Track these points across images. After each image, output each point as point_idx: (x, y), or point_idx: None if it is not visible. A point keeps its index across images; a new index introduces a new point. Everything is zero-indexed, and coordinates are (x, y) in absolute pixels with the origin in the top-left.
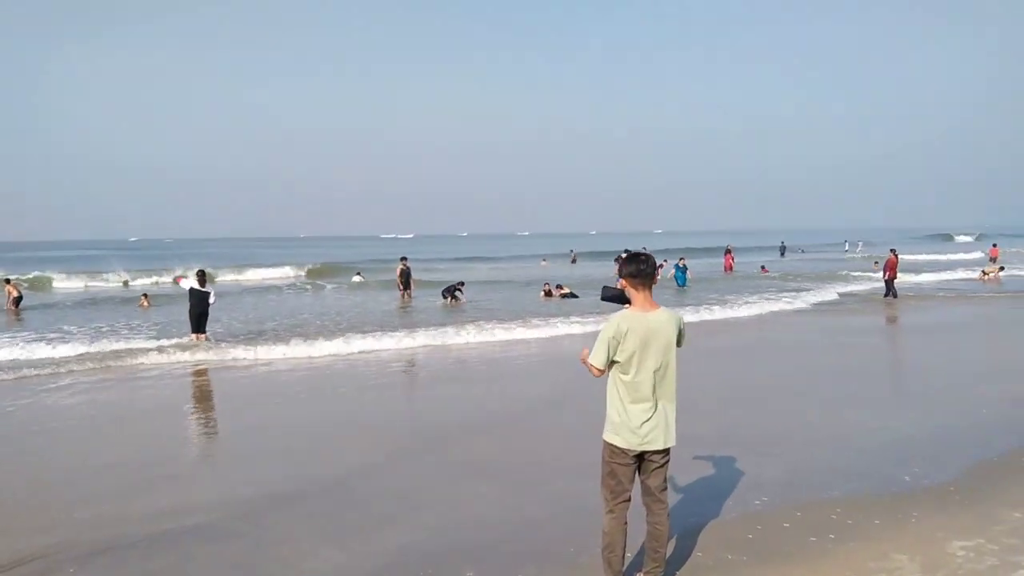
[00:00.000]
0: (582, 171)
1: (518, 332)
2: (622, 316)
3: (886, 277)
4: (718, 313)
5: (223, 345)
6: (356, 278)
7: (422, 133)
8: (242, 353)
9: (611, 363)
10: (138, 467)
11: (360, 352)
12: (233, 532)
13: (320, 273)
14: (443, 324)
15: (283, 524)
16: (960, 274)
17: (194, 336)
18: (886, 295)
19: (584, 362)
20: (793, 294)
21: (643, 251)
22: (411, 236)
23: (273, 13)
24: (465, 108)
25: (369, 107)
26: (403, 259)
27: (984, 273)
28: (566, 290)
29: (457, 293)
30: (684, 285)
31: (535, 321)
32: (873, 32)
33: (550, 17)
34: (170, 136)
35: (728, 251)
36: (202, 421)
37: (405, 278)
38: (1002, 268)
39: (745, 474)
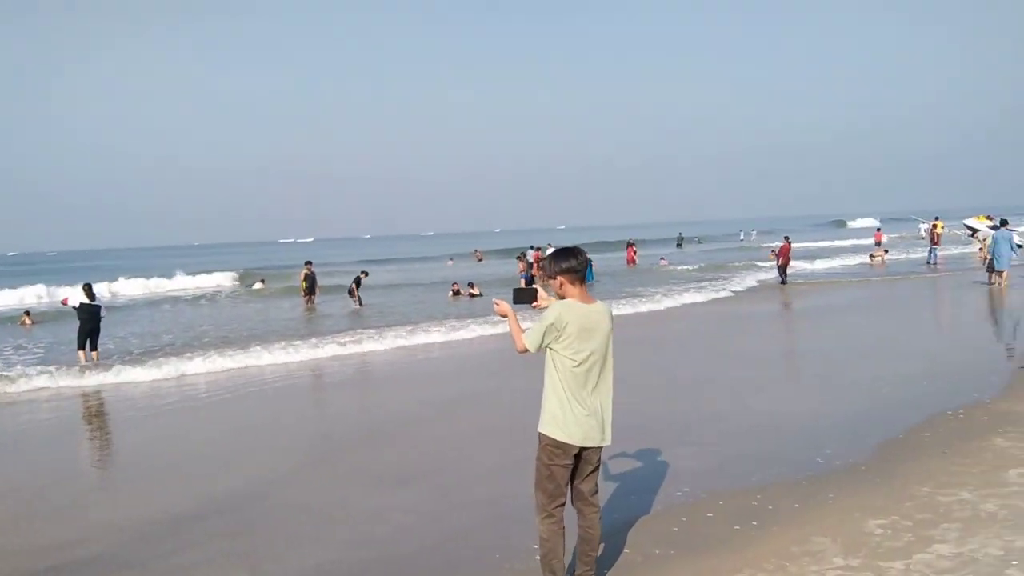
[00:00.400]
0: (483, 169)
1: (428, 335)
2: (564, 306)
3: (779, 263)
4: (626, 308)
5: (115, 363)
6: (258, 285)
7: (318, 133)
8: (137, 372)
9: (547, 350)
10: (23, 498)
11: (264, 364)
12: (130, 560)
13: (245, 279)
14: (350, 329)
15: (186, 548)
16: (852, 259)
17: (81, 354)
18: (782, 282)
19: (511, 328)
20: (696, 285)
21: (531, 249)
22: (311, 240)
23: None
24: (361, 106)
25: (263, 104)
26: (307, 264)
27: (871, 257)
28: (476, 290)
29: (361, 277)
30: (592, 280)
31: (448, 322)
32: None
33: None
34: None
35: (630, 244)
36: (94, 446)
37: (310, 283)
38: (887, 251)
39: (665, 467)
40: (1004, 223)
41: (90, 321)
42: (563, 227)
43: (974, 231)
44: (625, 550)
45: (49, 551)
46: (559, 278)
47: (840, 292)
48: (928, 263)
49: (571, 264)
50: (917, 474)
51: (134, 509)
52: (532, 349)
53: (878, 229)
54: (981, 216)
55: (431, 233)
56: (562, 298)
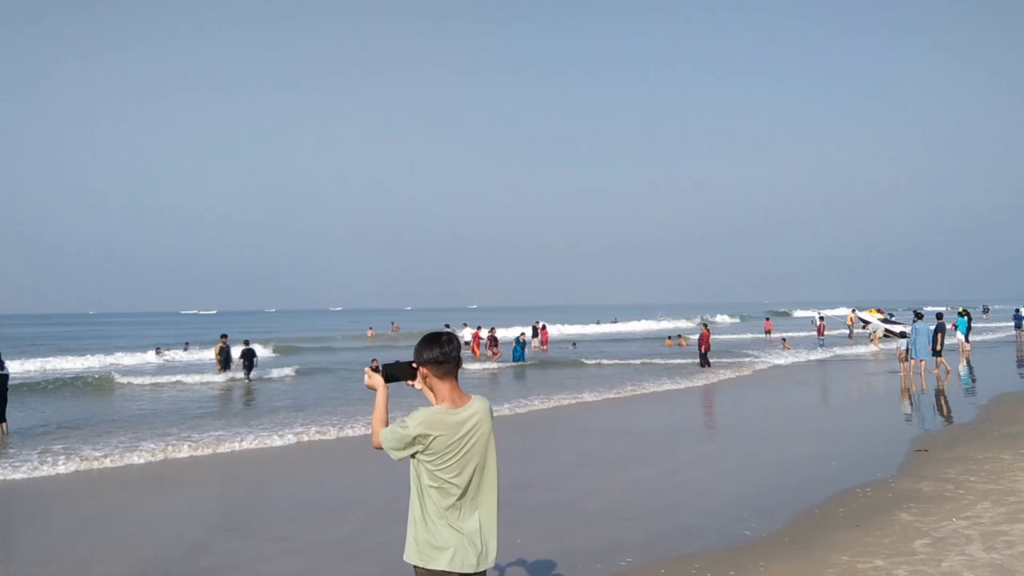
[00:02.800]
0: (392, 246)
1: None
2: (431, 414)
3: (701, 350)
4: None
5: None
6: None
7: (223, 204)
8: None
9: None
10: None
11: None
12: None
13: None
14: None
15: None
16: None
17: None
18: (702, 365)
19: (376, 412)
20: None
21: (445, 329)
22: (214, 312)
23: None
24: (268, 177)
25: (174, 171)
26: (223, 337)
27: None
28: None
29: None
30: (522, 359)
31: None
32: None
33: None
34: None
35: (543, 327)
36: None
37: (224, 355)
38: (783, 339)
39: (607, 537)
40: (920, 316)
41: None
42: (474, 306)
43: (866, 323)
44: None
45: None
46: (423, 369)
47: (756, 376)
48: (820, 348)
49: (435, 354)
50: (835, 545)
51: None
52: (391, 455)
53: (767, 319)
54: (872, 310)
55: (339, 308)
56: (432, 392)
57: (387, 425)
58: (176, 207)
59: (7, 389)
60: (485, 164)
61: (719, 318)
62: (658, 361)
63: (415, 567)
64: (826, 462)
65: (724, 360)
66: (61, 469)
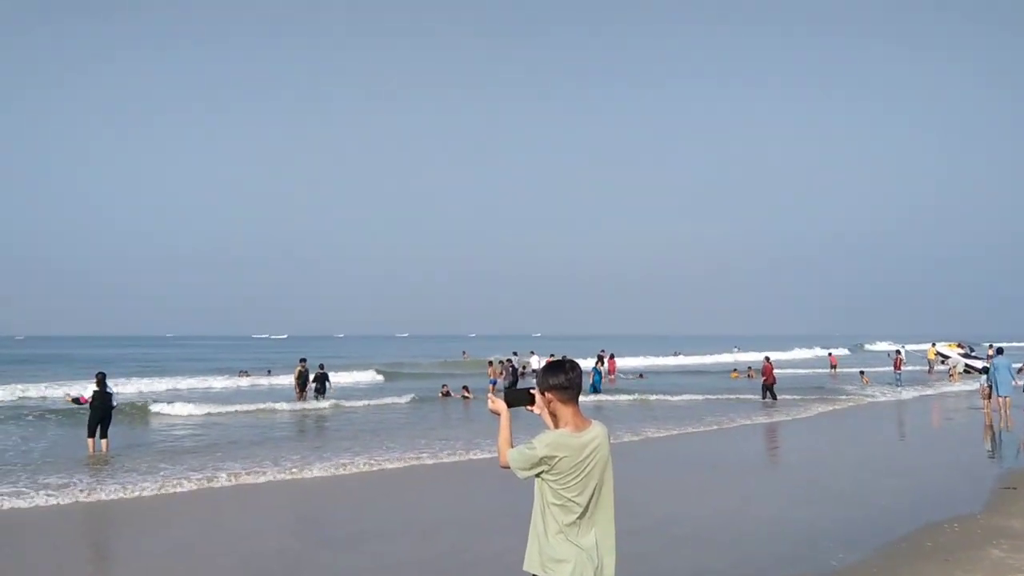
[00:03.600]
0: (387, 272)
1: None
2: (557, 436)
3: (765, 382)
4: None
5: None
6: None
7: (295, 224)
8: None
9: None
10: None
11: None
12: None
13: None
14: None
15: None
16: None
17: (91, 442)
18: (767, 398)
19: (501, 434)
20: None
21: (513, 356)
22: (284, 336)
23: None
24: (284, 201)
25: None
26: (302, 361)
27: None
28: (469, 393)
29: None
30: (599, 390)
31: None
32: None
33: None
34: None
35: (611, 356)
36: None
37: (303, 379)
38: (862, 372)
39: (696, 562)
40: (1000, 351)
41: (102, 409)
42: (473, 335)
43: (946, 358)
44: None
45: None
46: (547, 395)
47: (831, 409)
48: (896, 385)
49: (560, 380)
50: (924, 574)
51: None
52: (517, 474)
53: (830, 353)
54: (953, 344)
55: (342, 335)
56: (553, 416)
57: (512, 446)
58: (249, 230)
59: (112, 408)
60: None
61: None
62: (725, 396)
63: None
64: (910, 496)
65: (807, 396)
66: (186, 486)
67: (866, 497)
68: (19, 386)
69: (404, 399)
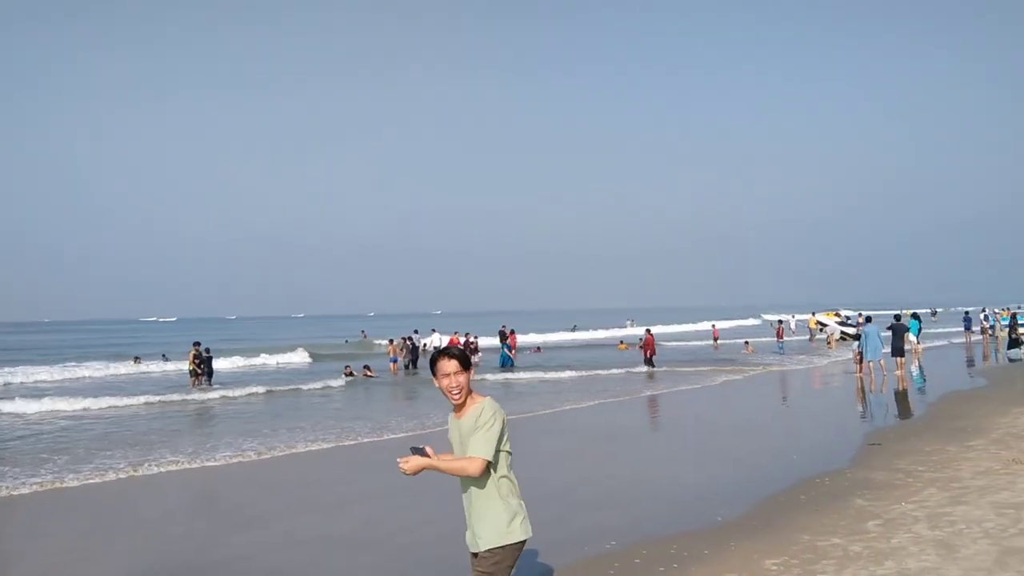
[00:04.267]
0: (358, 250)
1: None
2: (494, 403)
3: (646, 355)
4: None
5: None
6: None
7: (180, 205)
8: None
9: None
10: None
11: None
12: None
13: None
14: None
15: None
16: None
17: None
18: (649, 366)
19: (448, 467)
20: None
21: (413, 335)
22: (174, 319)
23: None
24: (225, 182)
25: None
26: (196, 344)
27: (745, 344)
28: (372, 372)
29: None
30: (510, 364)
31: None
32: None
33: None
34: None
35: (512, 332)
36: None
37: (201, 364)
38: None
39: (593, 524)
40: (869, 319)
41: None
42: (439, 312)
43: (824, 326)
44: None
45: None
46: (470, 373)
47: (714, 377)
48: (778, 353)
49: (451, 364)
50: (797, 526)
51: None
52: (489, 458)
53: (713, 325)
54: (831, 312)
55: (301, 315)
56: (470, 394)
57: (463, 458)
58: (140, 211)
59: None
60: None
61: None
62: (617, 370)
63: (510, 545)
64: (788, 455)
65: (699, 368)
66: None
67: (749, 458)
68: None
69: (313, 384)
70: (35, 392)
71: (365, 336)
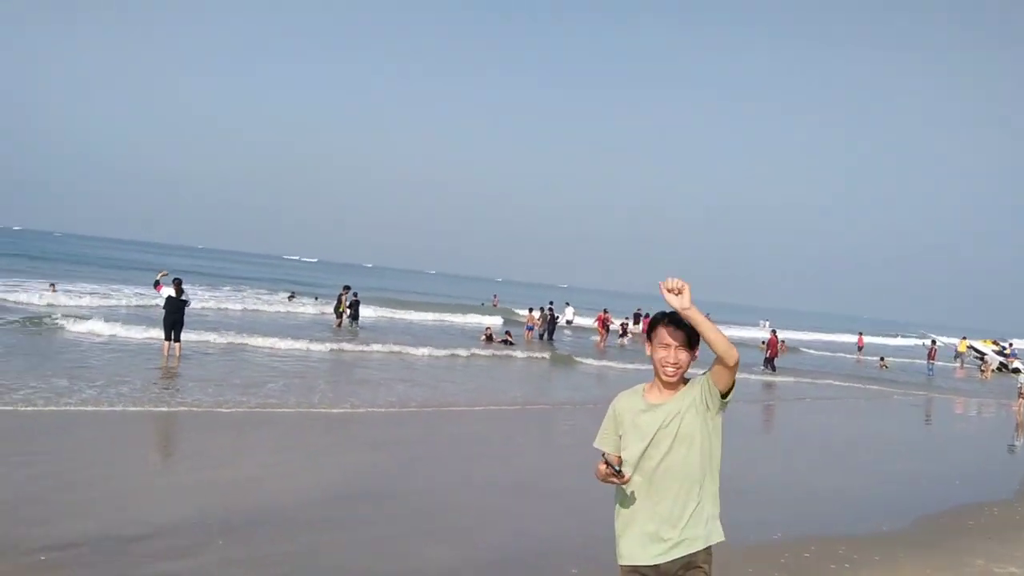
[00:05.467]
0: (426, 207)
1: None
2: None
3: (768, 355)
4: None
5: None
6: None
7: (330, 152)
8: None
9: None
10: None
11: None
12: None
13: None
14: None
15: None
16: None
17: (165, 345)
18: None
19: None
20: None
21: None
22: (315, 260)
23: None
24: (371, 127)
25: (278, 116)
26: (345, 288)
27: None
28: (511, 337)
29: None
30: None
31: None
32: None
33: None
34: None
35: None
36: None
37: (352, 307)
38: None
39: (754, 517)
40: None
41: (173, 314)
42: (565, 285)
43: (982, 355)
44: (747, 569)
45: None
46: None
47: (860, 397)
48: (927, 375)
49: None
50: (969, 550)
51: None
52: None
53: (860, 334)
54: (988, 340)
55: (433, 272)
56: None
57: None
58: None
59: (183, 314)
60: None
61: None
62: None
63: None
64: (946, 480)
65: (831, 381)
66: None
67: (905, 476)
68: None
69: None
70: (230, 323)
71: (496, 301)
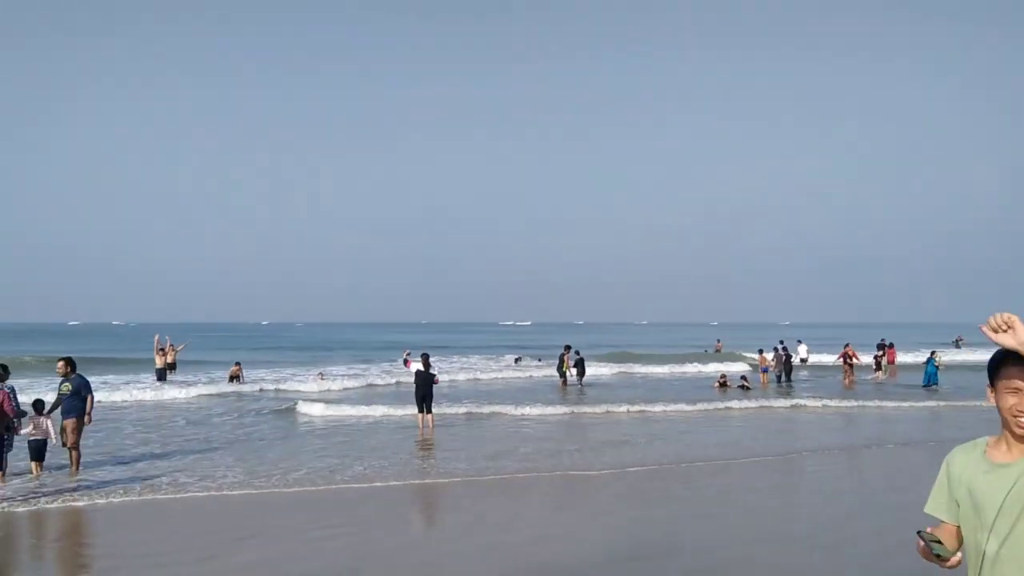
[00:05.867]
0: (617, 261)
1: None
2: None
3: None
4: None
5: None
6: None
7: (534, 208)
8: None
9: None
10: None
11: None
12: None
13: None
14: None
15: None
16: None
17: (420, 417)
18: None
19: None
20: None
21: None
22: (528, 323)
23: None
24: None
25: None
26: (567, 347)
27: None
28: (747, 382)
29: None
30: (935, 384)
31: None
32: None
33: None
34: None
35: (891, 345)
36: None
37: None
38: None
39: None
40: None
41: (423, 387)
42: (787, 323)
43: None
44: None
45: None
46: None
47: None
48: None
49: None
50: None
51: None
52: None
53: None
54: None
55: (644, 322)
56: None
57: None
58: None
59: (432, 386)
60: None
61: None
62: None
63: None
64: None
65: None
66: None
67: None
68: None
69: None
70: (466, 391)
71: (720, 346)
